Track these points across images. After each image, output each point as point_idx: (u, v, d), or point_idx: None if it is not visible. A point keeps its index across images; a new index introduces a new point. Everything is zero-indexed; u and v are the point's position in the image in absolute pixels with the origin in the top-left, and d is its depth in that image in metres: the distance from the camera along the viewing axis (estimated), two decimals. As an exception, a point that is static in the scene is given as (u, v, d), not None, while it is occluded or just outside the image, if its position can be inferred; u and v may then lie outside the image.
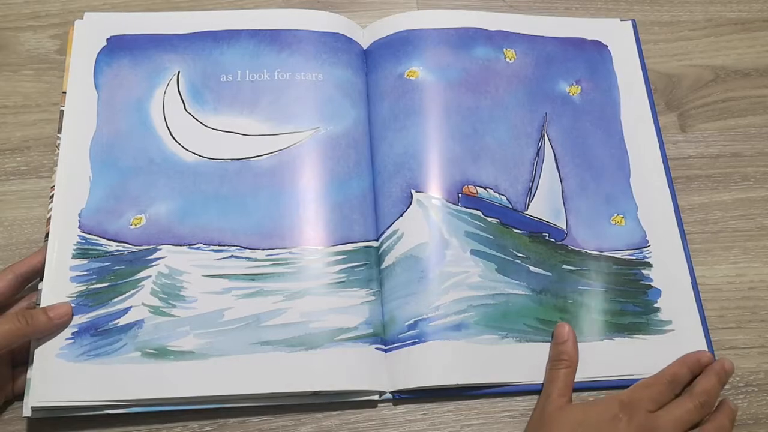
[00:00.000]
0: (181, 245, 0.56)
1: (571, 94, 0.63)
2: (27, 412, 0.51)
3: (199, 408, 0.53)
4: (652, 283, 0.58)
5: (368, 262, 0.56)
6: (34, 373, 0.51)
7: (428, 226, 0.57)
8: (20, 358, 0.53)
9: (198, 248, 0.56)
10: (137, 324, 0.53)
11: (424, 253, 0.56)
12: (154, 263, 0.55)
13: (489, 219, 0.58)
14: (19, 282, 0.54)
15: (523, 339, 0.55)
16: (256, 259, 0.56)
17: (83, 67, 0.62)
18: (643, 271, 0.58)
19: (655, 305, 0.57)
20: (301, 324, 0.54)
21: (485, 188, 0.59)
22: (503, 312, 0.55)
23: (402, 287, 0.55)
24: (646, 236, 0.59)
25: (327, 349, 0.53)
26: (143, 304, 0.54)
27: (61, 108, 0.60)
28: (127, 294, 0.54)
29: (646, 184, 0.61)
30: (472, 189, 0.58)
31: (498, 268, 0.57)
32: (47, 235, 0.56)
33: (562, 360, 0.53)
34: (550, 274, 0.57)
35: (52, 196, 0.57)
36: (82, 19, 0.64)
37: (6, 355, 0.52)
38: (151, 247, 0.56)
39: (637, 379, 0.54)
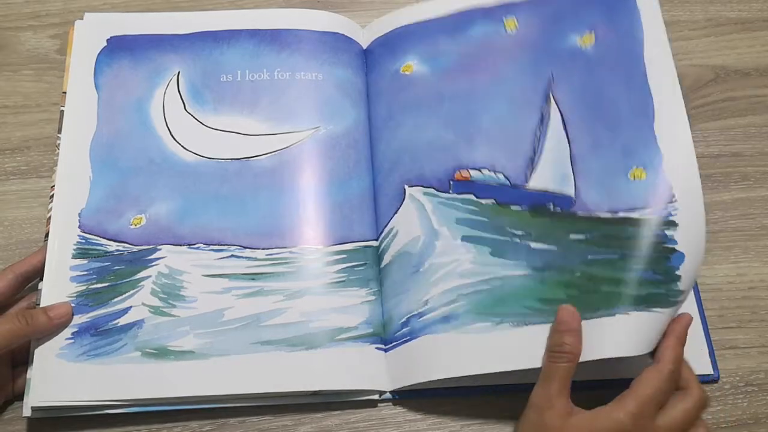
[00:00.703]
0: (181, 245, 0.56)
1: (582, 46, 0.58)
2: (27, 412, 0.51)
3: (199, 408, 0.53)
4: (676, 247, 0.49)
5: (368, 262, 0.56)
6: (34, 373, 0.51)
7: (419, 220, 0.56)
8: (20, 358, 0.53)
9: (198, 248, 0.56)
10: (137, 324, 0.53)
11: (416, 248, 0.56)
12: (154, 263, 0.55)
13: (483, 201, 0.56)
14: (19, 282, 0.54)
15: (521, 323, 0.51)
16: (256, 259, 0.56)
17: (83, 67, 0.62)
18: (666, 232, 0.49)
19: (677, 272, 0.49)
20: (301, 323, 0.54)
21: (479, 170, 0.57)
22: (498, 297, 0.53)
23: (397, 285, 0.55)
24: (672, 190, 0.50)
25: (327, 349, 0.53)
26: (143, 304, 0.54)
27: (61, 108, 0.60)
28: (127, 294, 0.54)
29: (673, 131, 0.52)
30: (464, 173, 0.57)
31: (492, 251, 0.54)
32: (47, 235, 0.56)
33: (563, 352, 0.48)
34: (554, 247, 0.53)
35: (52, 196, 0.57)
36: (82, 19, 0.64)
37: (6, 355, 0.52)
38: (151, 247, 0.56)
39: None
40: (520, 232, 0.54)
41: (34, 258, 0.55)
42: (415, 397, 0.55)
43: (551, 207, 0.54)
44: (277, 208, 0.57)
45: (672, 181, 0.50)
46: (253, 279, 0.55)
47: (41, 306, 0.53)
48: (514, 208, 0.55)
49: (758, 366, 0.57)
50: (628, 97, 0.54)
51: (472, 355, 0.52)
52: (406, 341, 0.53)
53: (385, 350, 0.54)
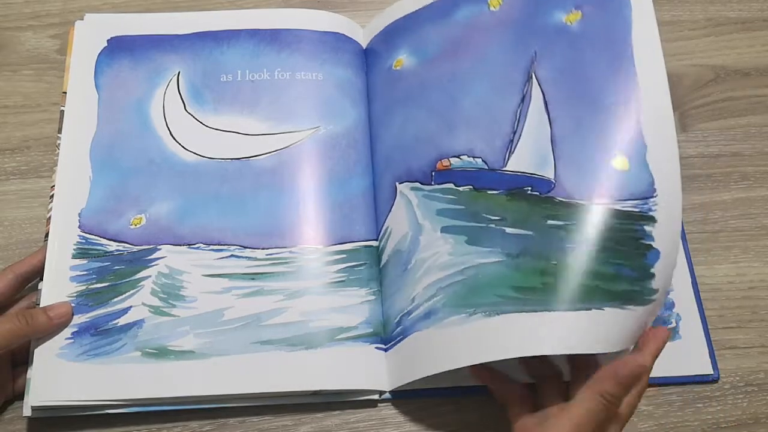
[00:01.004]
0: (181, 245, 0.56)
1: (568, 22, 0.55)
2: (27, 412, 0.51)
3: (199, 408, 0.53)
4: (652, 243, 0.48)
5: (368, 262, 0.56)
6: (34, 373, 0.51)
7: (407, 216, 0.56)
8: (20, 358, 0.53)
9: (198, 248, 0.56)
10: (137, 324, 0.53)
11: (405, 245, 0.55)
12: (154, 263, 0.55)
13: (461, 189, 0.54)
14: (19, 282, 0.54)
15: (493, 312, 0.49)
16: (256, 259, 0.56)
17: (84, 68, 0.62)
18: (645, 227, 0.48)
19: (651, 270, 0.47)
20: (301, 323, 0.54)
21: (458, 156, 0.55)
22: (472, 287, 0.50)
23: (392, 284, 0.55)
24: (653, 184, 0.49)
25: (327, 349, 0.53)
26: (143, 303, 0.54)
27: (62, 108, 0.60)
28: (127, 294, 0.54)
29: (658, 122, 0.50)
30: (445, 162, 0.55)
31: (468, 239, 0.52)
32: (47, 235, 0.56)
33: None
34: (531, 233, 0.50)
35: (52, 196, 0.57)
36: (82, 19, 0.64)
37: (6, 355, 0.52)
38: (151, 246, 0.56)
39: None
40: (495, 218, 0.52)
41: (34, 258, 0.55)
42: (415, 397, 0.55)
43: (529, 191, 0.52)
44: (277, 208, 0.57)
45: (655, 175, 0.49)
46: (253, 279, 0.55)
47: (41, 306, 0.53)
48: (490, 192, 0.53)
49: (758, 366, 0.57)
50: (613, 80, 0.52)
51: (446, 350, 0.50)
52: (400, 340, 0.53)
53: (385, 350, 0.54)
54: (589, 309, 0.47)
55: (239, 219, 0.57)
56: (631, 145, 0.50)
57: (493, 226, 0.52)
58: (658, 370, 0.55)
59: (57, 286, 0.54)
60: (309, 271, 0.55)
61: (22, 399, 0.51)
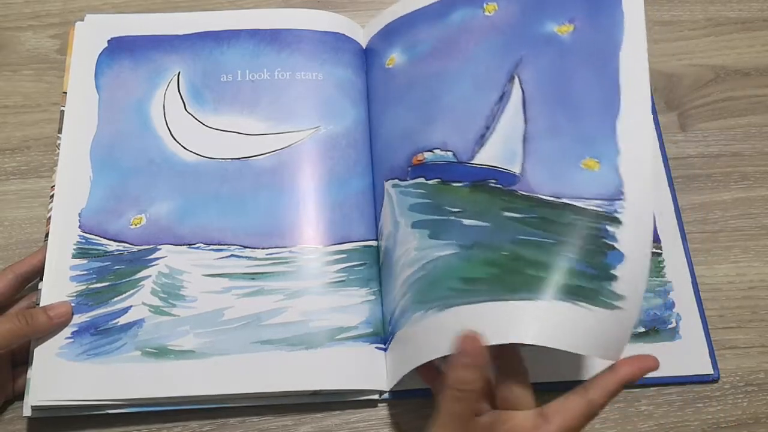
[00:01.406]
0: (181, 245, 0.56)
1: (559, 33, 0.55)
2: (27, 412, 0.51)
3: (199, 407, 0.53)
4: (615, 245, 0.46)
5: (368, 261, 0.56)
6: (34, 373, 0.51)
7: (390, 214, 0.56)
8: (20, 358, 0.53)
9: (198, 248, 0.56)
10: (137, 323, 0.53)
11: (390, 243, 0.55)
12: (154, 263, 0.55)
13: (430, 182, 0.54)
14: (19, 282, 0.54)
15: (443, 306, 0.48)
16: (256, 258, 0.56)
17: (84, 68, 0.62)
18: (608, 228, 0.47)
19: (612, 272, 0.45)
20: (301, 323, 0.54)
21: (432, 150, 0.54)
22: (430, 281, 0.50)
23: (385, 284, 0.55)
24: (621, 186, 0.48)
25: (327, 349, 0.53)
26: (143, 303, 0.54)
27: (62, 108, 0.60)
28: (127, 293, 0.54)
29: (636, 131, 0.49)
30: (419, 157, 0.55)
31: (431, 233, 0.52)
32: (47, 235, 0.56)
33: (467, 390, 0.43)
34: (486, 224, 0.50)
35: (52, 196, 0.57)
36: (82, 19, 0.64)
37: (6, 355, 0.52)
38: (151, 246, 0.56)
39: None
40: (456, 210, 0.51)
41: (34, 258, 0.55)
42: (415, 397, 0.54)
43: (492, 183, 0.51)
44: (277, 208, 0.57)
45: (624, 178, 0.48)
46: (253, 278, 0.55)
47: (41, 306, 0.53)
48: (455, 185, 0.53)
49: (758, 366, 0.57)
50: (595, 90, 0.51)
51: (409, 350, 0.50)
52: (391, 341, 0.53)
53: (385, 350, 0.54)
54: (534, 299, 0.45)
55: (239, 219, 0.57)
56: (603, 147, 0.49)
57: (453, 218, 0.51)
58: (659, 370, 0.55)
59: (57, 286, 0.54)
60: (309, 271, 0.55)
61: (22, 399, 0.51)
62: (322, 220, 0.57)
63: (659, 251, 0.59)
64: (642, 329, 0.56)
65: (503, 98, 0.54)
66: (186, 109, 0.61)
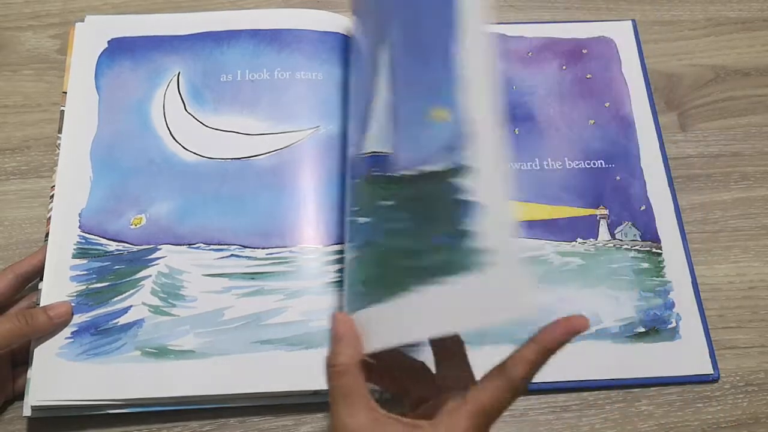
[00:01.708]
0: (181, 245, 0.56)
1: None
2: (27, 412, 0.51)
3: (199, 408, 0.53)
4: (471, 198, 0.37)
5: (368, 262, 0.56)
6: (34, 373, 0.51)
7: None
8: (20, 358, 0.53)
9: (198, 248, 0.56)
10: (137, 323, 0.53)
11: None
12: (154, 263, 0.55)
13: (355, 181, 0.50)
14: (19, 282, 0.54)
15: (351, 311, 0.45)
16: (256, 258, 0.56)
17: (84, 69, 0.62)
18: (462, 181, 0.37)
19: (471, 228, 0.37)
20: (301, 323, 0.54)
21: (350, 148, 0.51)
22: (348, 285, 0.48)
23: None
24: (467, 127, 0.38)
25: (327, 348, 0.53)
26: (143, 303, 0.54)
27: (62, 108, 0.60)
28: (127, 293, 0.54)
29: (475, 59, 0.39)
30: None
31: (349, 237, 0.49)
32: (47, 235, 0.56)
33: (338, 364, 0.40)
34: (370, 219, 0.45)
35: (52, 196, 0.57)
36: (83, 19, 0.64)
37: (6, 355, 0.52)
38: (151, 246, 0.56)
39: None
40: (355, 208, 0.48)
41: (34, 258, 0.55)
42: (415, 397, 0.54)
43: (374, 172, 0.45)
44: (277, 208, 0.57)
45: (467, 115, 0.38)
46: (252, 278, 0.55)
47: (41, 306, 0.53)
48: (356, 182, 0.49)
49: (758, 366, 0.57)
50: (438, 22, 0.42)
51: None
52: None
53: (385, 350, 0.54)
54: (408, 293, 0.39)
55: (239, 219, 0.57)
56: (447, 88, 0.40)
57: (353, 218, 0.48)
58: (659, 370, 0.55)
59: (57, 286, 0.54)
60: (309, 271, 0.55)
61: (22, 399, 0.51)
62: (322, 220, 0.57)
63: (659, 251, 0.59)
64: (642, 329, 0.56)
65: (378, 70, 0.47)
66: (186, 109, 0.61)
